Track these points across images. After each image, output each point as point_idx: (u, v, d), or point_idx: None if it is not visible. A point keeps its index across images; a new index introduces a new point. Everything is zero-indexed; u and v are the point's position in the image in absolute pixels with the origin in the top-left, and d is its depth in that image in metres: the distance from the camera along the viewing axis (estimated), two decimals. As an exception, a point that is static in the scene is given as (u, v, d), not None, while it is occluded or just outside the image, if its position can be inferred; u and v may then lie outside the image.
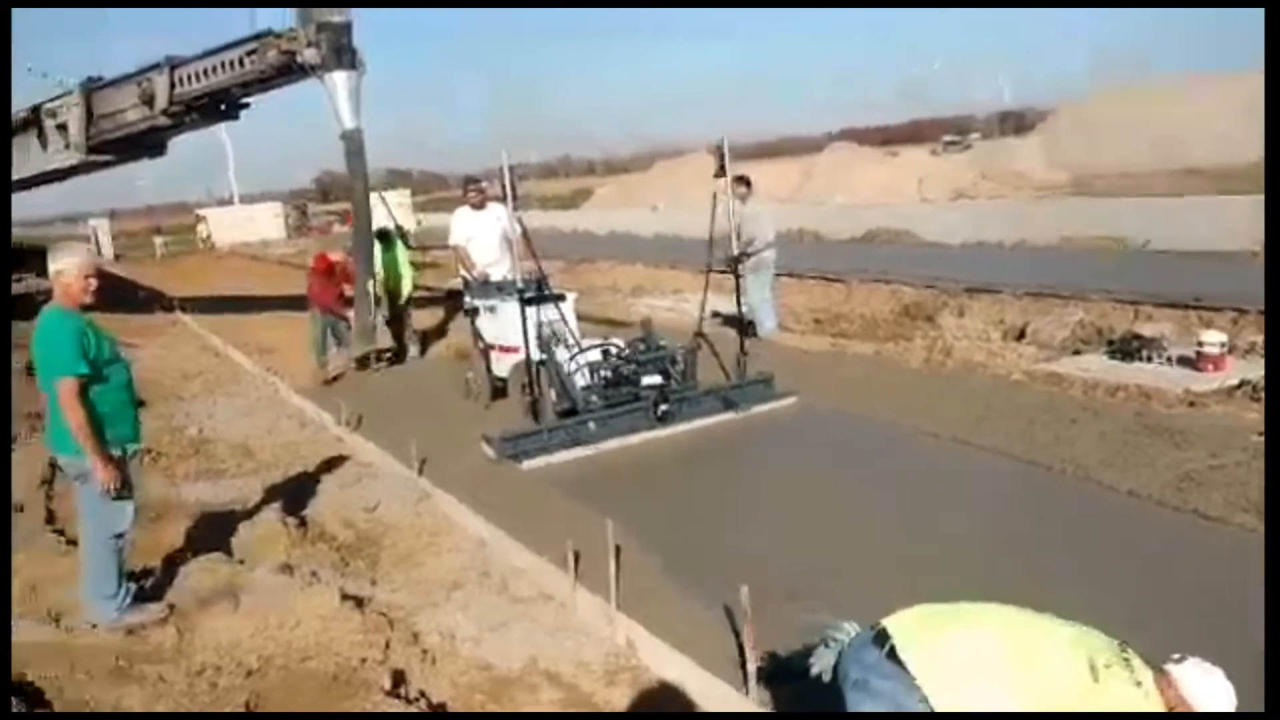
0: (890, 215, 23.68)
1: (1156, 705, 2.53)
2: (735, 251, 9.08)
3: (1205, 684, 2.56)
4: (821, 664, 2.87)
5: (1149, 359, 8.71)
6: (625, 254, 23.23)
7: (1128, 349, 8.99)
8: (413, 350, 11.88)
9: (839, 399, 8.14)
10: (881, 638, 2.68)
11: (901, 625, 2.71)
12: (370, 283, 10.64)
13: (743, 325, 9.20)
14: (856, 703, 2.67)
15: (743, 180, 11.52)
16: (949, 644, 2.65)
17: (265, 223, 49.23)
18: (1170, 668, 2.58)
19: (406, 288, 11.88)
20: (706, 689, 3.89)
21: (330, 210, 56.39)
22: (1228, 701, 2.54)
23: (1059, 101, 48.14)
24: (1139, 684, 2.54)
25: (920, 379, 8.89)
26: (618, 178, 67.00)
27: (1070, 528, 5.31)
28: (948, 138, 58.01)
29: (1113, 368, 8.71)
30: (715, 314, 13.22)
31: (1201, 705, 2.53)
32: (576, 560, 4.83)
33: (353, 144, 10.47)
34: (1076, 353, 9.62)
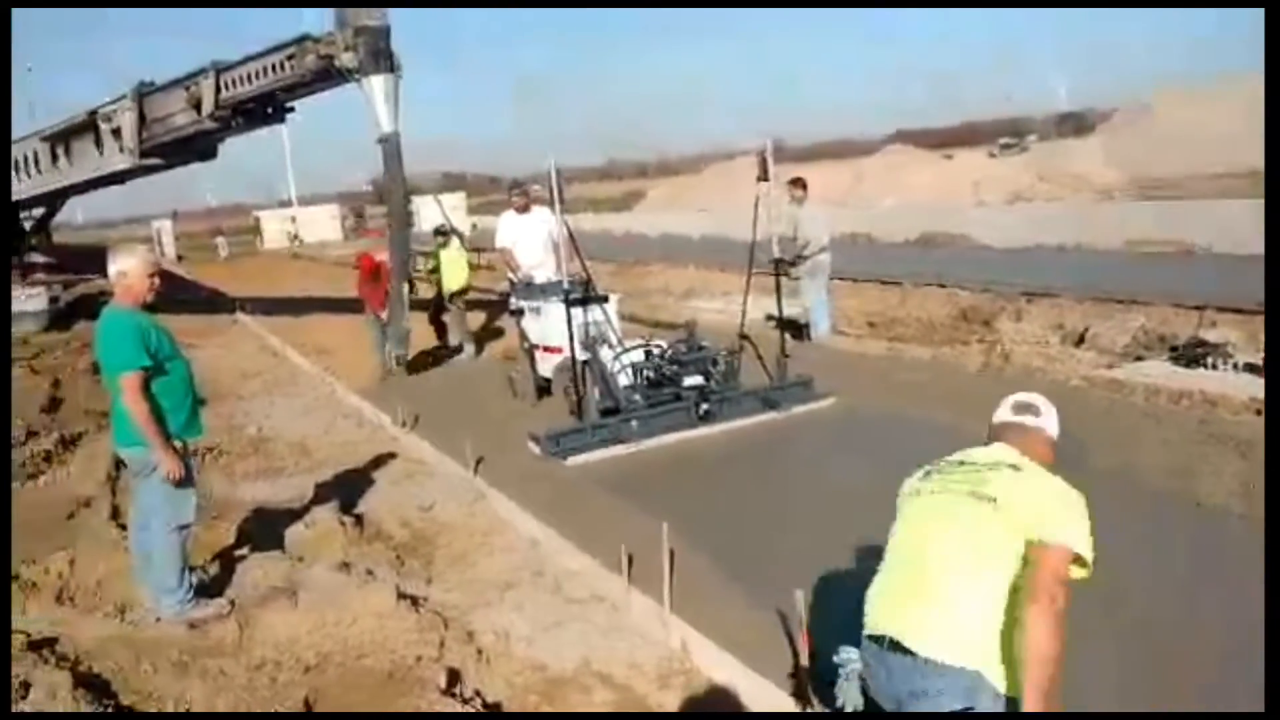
0: (945, 218, 23.43)
1: (1038, 467, 2.76)
2: (777, 254, 9.09)
3: (1048, 414, 2.93)
4: (847, 697, 2.80)
5: (1214, 365, 8.52)
6: (677, 256, 23.22)
7: (1192, 355, 8.81)
8: (469, 350, 11.97)
9: (895, 402, 8.07)
10: (892, 643, 2.59)
11: (886, 621, 2.65)
12: (405, 287, 10.77)
13: (782, 327, 9.22)
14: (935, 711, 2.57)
15: (798, 183, 11.47)
16: (921, 599, 2.61)
17: (322, 224, 50.18)
18: (1015, 420, 2.92)
19: (456, 284, 11.97)
20: (760, 693, 3.87)
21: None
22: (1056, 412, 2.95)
23: (1121, 103, 47.34)
24: (1017, 468, 2.72)
25: (977, 383, 8.78)
26: (670, 180, 66.96)
27: (1134, 536, 5.20)
28: (1003, 140, 57.19)
29: (1176, 374, 8.54)
30: (769, 317, 13.15)
31: (1056, 430, 2.92)
32: (630, 563, 4.84)
33: (390, 148, 10.54)
34: (1138, 359, 9.44)
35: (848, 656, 2.81)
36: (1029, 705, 2.35)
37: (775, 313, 12.19)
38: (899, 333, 12.19)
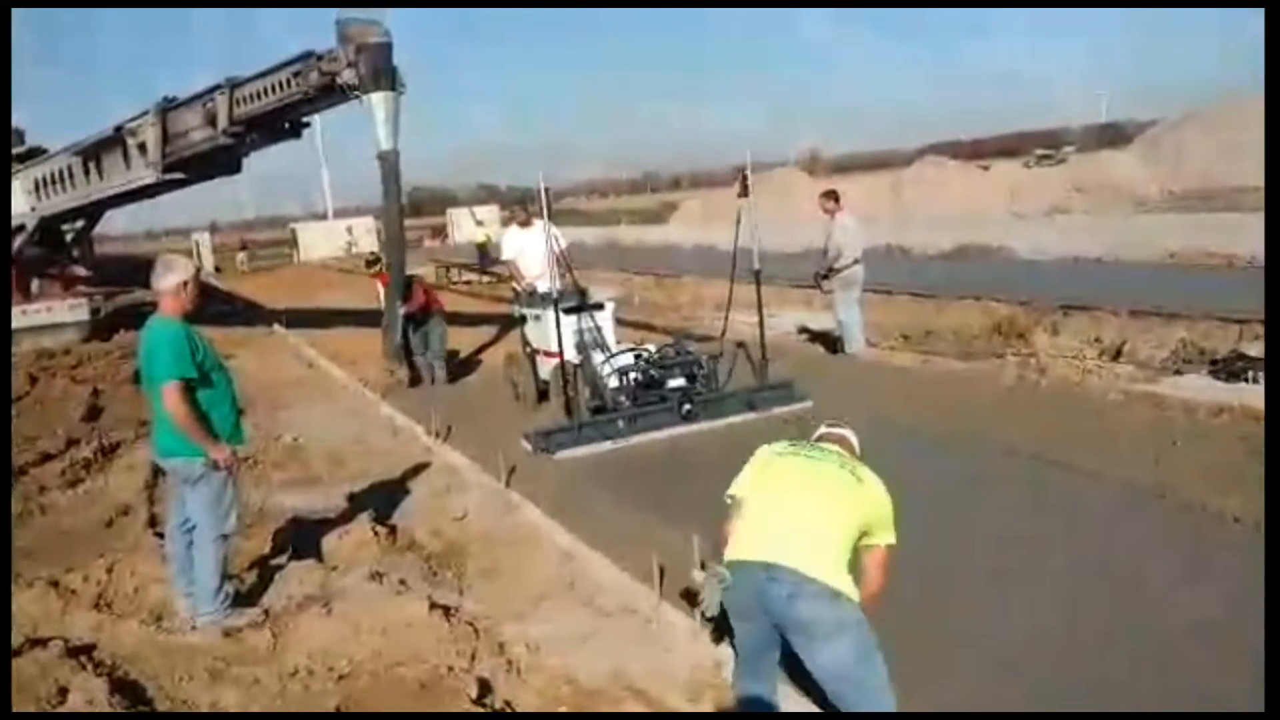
0: (981, 230, 23.24)
1: (867, 470, 3.61)
2: (757, 265, 9.49)
3: (849, 429, 3.92)
4: (711, 601, 3.58)
5: (1255, 379, 8.39)
6: (709, 268, 23.19)
7: (1232, 369, 8.68)
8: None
9: (929, 415, 8.03)
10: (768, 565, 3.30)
11: (769, 551, 3.35)
12: (399, 303, 11.08)
13: (762, 336, 9.52)
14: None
15: (830, 195, 11.43)
16: (804, 534, 3.36)
17: (358, 236, 50.50)
18: (838, 431, 3.90)
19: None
20: (791, 708, 3.84)
21: (419, 225, 57.64)
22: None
23: (1159, 113, 46.78)
24: (856, 464, 3.62)
25: (1010, 396, 8.70)
26: (703, 191, 67.10)
27: (1170, 553, 5.14)
28: (1040, 151, 56.74)
29: (1215, 388, 8.42)
30: (803, 329, 13.19)
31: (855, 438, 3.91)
32: (662, 575, 4.84)
33: (387, 165, 10.64)
34: (1178, 373, 9.30)
35: (719, 570, 3.51)
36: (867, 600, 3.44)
37: (809, 325, 12.23)
38: (933, 345, 12.09)
